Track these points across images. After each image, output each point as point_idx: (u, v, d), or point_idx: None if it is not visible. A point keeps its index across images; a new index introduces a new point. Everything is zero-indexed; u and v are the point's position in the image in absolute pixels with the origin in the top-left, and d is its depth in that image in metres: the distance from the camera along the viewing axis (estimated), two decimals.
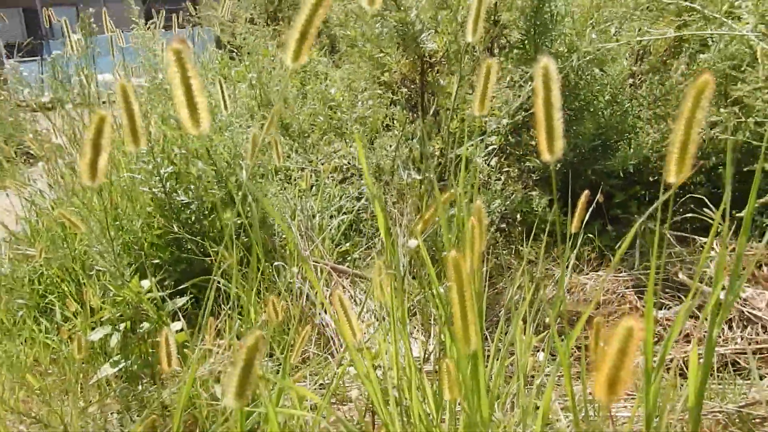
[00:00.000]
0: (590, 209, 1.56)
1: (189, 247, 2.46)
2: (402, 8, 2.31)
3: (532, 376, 1.76)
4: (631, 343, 0.68)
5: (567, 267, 2.07)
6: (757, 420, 1.53)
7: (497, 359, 1.40)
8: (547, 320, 1.81)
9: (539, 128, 0.90)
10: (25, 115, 5.15)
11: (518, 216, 2.75)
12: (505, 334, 1.46)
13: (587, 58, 2.39)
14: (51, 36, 13.88)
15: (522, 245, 2.66)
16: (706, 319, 1.03)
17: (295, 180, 3.12)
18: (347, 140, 3.47)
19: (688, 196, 2.38)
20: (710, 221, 2.18)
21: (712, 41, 2.42)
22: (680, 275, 2.26)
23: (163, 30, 3.77)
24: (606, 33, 2.59)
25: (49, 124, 3.51)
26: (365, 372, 1.27)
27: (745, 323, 1.98)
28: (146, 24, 3.36)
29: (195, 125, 0.85)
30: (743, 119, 2.14)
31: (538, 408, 1.41)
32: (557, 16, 2.76)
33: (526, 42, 2.83)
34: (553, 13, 2.69)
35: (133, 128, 0.96)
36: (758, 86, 2.10)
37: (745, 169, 2.05)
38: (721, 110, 2.25)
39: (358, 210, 2.97)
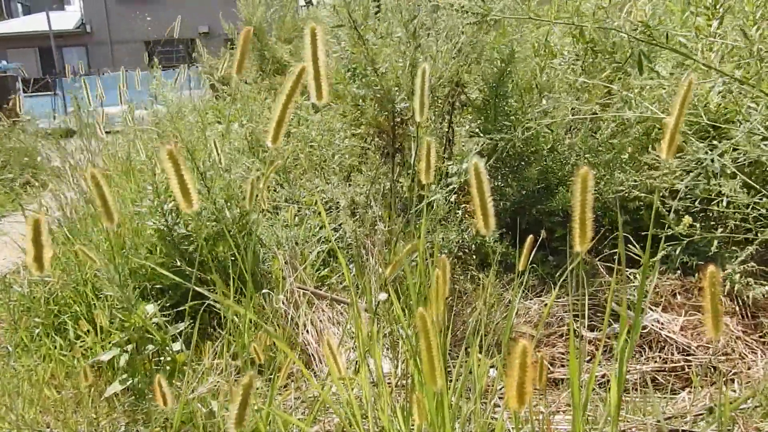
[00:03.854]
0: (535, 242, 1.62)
1: (188, 273, 2.45)
2: (379, 74, 2.36)
3: (487, 391, 1.80)
4: (527, 358, 0.74)
5: (516, 296, 2.14)
6: None
7: (458, 380, 1.44)
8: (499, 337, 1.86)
9: (476, 211, 0.97)
10: (37, 142, 5.06)
11: (473, 246, 2.79)
12: (466, 349, 1.50)
13: (530, 132, 2.47)
14: (63, 73, 13.72)
15: (476, 271, 2.71)
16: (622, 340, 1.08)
17: (279, 211, 3.13)
18: (325, 176, 3.49)
19: (616, 233, 2.45)
20: (634, 255, 2.26)
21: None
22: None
23: (162, 70, 3.77)
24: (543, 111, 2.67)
25: (59, 154, 3.46)
26: (346, 400, 1.30)
27: (662, 344, 2.06)
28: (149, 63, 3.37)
29: (188, 205, 0.90)
30: (654, 181, 2.24)
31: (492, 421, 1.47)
32: (515, 86, 2.83)
33: (487, 104, 2.90)
34: (515, 82, 2.77)
35: (107, 210, 0.97)
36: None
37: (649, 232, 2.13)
38: (643, 171, 2.35)
39: (336, 239, 2.99)
